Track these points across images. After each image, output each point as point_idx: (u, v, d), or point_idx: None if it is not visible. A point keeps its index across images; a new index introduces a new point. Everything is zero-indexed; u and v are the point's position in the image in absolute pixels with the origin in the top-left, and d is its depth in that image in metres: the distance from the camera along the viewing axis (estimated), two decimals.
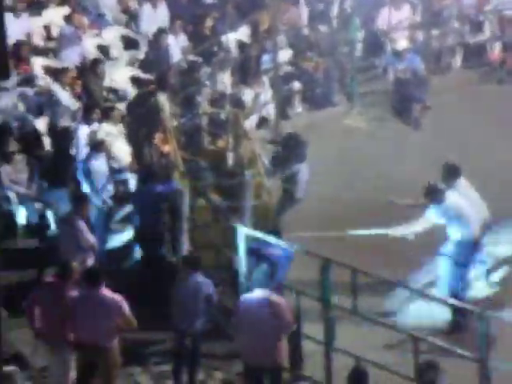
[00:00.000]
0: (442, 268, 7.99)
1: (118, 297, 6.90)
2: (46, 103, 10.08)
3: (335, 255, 7.19)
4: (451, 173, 8.28)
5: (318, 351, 7.17)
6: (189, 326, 7.27)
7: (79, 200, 8.20)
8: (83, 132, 9.47)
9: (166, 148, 9.06)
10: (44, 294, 7.06)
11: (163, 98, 9.13)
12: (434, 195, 7.95)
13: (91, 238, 8.01)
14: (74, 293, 6.96)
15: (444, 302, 7.44)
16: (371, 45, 12.67)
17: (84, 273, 7.09)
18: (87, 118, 9.63)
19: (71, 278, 7.02)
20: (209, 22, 11.91)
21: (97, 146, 9.02)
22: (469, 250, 7.92)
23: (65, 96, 10.03)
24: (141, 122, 9.34)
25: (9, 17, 10.30)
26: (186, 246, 8.27)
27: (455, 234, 7.92)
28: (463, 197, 8.05)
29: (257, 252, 7.63)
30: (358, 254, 7.95)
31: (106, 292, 6.90)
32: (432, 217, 7.93)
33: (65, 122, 9.39)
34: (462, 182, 8.29)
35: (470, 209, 7.98)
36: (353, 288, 6.94)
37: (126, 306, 6.86)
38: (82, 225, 7.96)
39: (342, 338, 7.12)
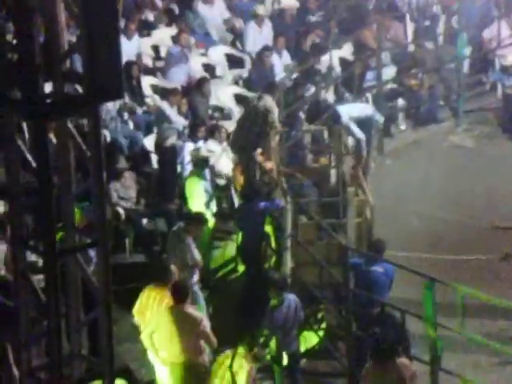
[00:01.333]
0: None
1: (199, 315, 6.95)
2: (154, 121, 10.35)
3: (439, 277, 7.05)
4: None
5: (425, 372, 7.05)
6: (287, 346, 7.28)
7: (194, 219, 8.22)
8: (188, 150, 9.68)
9: (269, 165, 9.13)
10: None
11: (271, 101, 9.10)
12: None
13: (197, 256, 8.11)
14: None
15: None
16: (478, 61, 12.44)
17: (172, 287, 7.15)
18: (193, 136, 9.84)
19: (187, 297, 7.10)
20: (312, 40, 11.97)
21: (199, 163, 9.21)
22: None
23: (173, 114, 10.28)
24: (249, 130, 9.33)
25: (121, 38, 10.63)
26: (288, 264, 8.29)
27: None
28: None
29: (357, 268, 7.58)
30: (463, 277, 7.72)
31: (190, 309, 6.95)
32: None
33: (172, 139, 9.58)
34: None
35: None
36: (460, 308, 6.79)
37: (206, 325, 6.90)
38: (190, 241, 8.08)
39: (448, 359, 6.98)
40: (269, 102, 9.04)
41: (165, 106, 10.33)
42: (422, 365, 7.05)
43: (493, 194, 10.22)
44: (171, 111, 10.26)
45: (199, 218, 8.30)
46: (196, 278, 8.00)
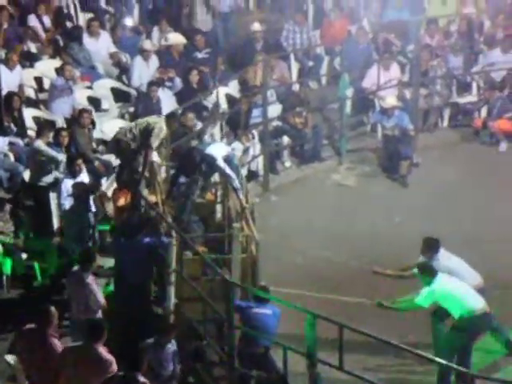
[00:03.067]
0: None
1: (110, 358, 6.71)
2: (30, 157, 10.07)
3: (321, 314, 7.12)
4: (431, 247, 8.23)
5: None
6: None
7: (86, 256, 8.02)
8: (67, 185, 9.47)
9: (154, 199, 9.05)
10: (24, 342, 6.93)
11: (162, 122, 8.96)
12: (423, 270, 7.77)
13: (101, 298, 7.84)
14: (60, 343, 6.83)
15: (431, 360, 7.36)
16: (360, 102, 12.82)
17: (87, 325, 6.91)
18: (71, 170, 9.63)
19: (51, 324, 6.89)
20: (198, 76, 12.04)
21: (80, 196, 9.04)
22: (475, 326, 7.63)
23: (47, 149, 9.99)
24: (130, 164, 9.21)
25: (1, 69, 10.41)
26: (172, 299, 8.20)
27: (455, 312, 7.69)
28: (445, 270, 7.91)
29: (245, 311, 7.58)
30: (345, 316, 7.80)
31: (102, 349, 6.73)
32: (424, 302, 7.67)
33: (48, 178, 9.41)
34: (443, 254, 8.19)
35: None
36: (339, 344, 6.88)
37: (114, 369, 6.70)
38: (92, 282, 7.81)
39: None
40: (158, 122, 8.90)
41: (38, 142, 10.07)
42: None
43: (374, 232, 10.48)
44: (45, 146, 10.01)
45: (89, 254, 8.11)
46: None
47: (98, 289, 7.88)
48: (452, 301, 7.71)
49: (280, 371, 7.21)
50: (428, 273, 7.78)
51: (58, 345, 6.83)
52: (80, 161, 9.67)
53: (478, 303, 7.72)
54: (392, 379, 7.84)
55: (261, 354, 7.47)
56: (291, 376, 7.23)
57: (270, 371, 7.12)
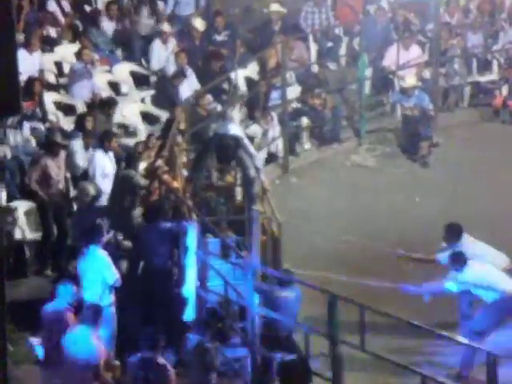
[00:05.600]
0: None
1: (100, 345, 6.77)
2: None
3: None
4: (454, 233, 8.17)
5: None
6: None
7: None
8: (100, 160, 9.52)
9: (175, 184, 9.09)
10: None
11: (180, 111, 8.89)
12: (455, 259, 7.72)
13: (116, 273, 7.91)
14: None
15: (457, 342, 7.35)
16: (379, 82, 12.76)
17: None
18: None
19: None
20: (218, 58, 12.02)
21: None
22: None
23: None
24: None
25: (22, 53, 10.44)
26: (194, 282, 8.26)
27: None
28: (471, 255, 7.85)
29: (267, 294, 7.62)
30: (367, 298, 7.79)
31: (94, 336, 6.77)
32: (455, 287, 7.69)
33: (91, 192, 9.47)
34: (467, 239, 8.14)
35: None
36: (361, 325, 6.91)
37: (100, 359, 6.71)
38: (107, 256, 7.86)
39: (350, 377, 7.08)
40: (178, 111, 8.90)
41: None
42: (323, 382, 7.12)
43: (394, 213, 10.47)
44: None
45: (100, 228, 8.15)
46: (111, 298, 7.85)
47: (111, 264, 7.90)
48: (484, 287, 7.70)
49: (302, 353, 7.26)
50: (459, 261, 7.76)
51: (72, 318, 6.91)
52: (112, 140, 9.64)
53: (509, 285, 7.73)
54: (415, 361, 7.85)
55: (283, 337, 7.51)
56: (313, 358, 7.27)
57: (293, 353, 7.16)
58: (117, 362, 7.00)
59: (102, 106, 10.62)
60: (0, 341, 4.90)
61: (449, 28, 13.00)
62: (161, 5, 12.99)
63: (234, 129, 9.19)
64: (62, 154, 9.47)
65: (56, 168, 9.27)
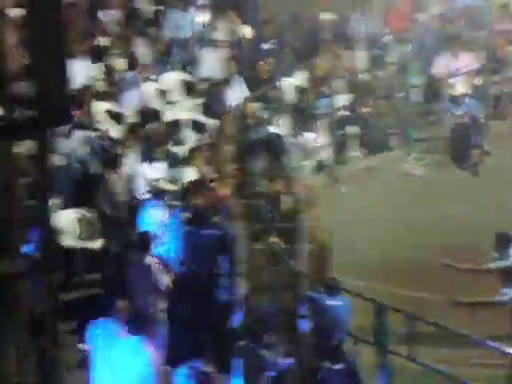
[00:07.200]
0: None
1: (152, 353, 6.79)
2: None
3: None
4: (505, 241, 8.11)
5: None
6: None
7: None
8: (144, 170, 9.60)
9: (223, 191, 9.12)
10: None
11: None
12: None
13: (166, 280, 7.96)
14: None
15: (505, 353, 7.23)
16: (429, 90, 12.64)
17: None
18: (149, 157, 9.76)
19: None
20: (266, 67, 12.05)
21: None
22: None
23: None
24: None
25: (72, 63, 10.58)
26: (241, 289, 8.27)
27: None
28: None
29: (317, 302, 7.59)
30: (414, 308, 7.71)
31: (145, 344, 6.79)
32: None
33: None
34: None
35: None
36: (409, 334, 6.83)
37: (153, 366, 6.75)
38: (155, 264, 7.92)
39: None
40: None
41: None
42: None
43: (443, 222, 10.34)
44: None
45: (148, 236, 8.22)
46: (161, 305, 7.89)
47: (161, 271, 7.93)
48: None
49: (351, 363, 7.20)
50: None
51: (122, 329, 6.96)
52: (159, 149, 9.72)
53: None
54: (463, 371, 7.74)
55: (333, 346, 7.46)
56: (362, 367, 7.22)
57: (341, 363, 7.11)
58: (168, 368, 7.02)
59: (150, 116, 10.73)
60: (53, 346, 4.99)
61: (504, 35, 12.83)
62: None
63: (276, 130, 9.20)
64: (123, 165, 9.55)
65: (118, 180, 9.34)
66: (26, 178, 5.22)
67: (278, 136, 9.00)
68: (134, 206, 9.28)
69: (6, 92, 4.90)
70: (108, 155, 9.68)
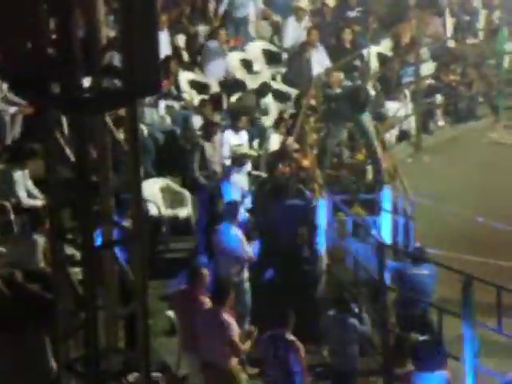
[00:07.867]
0: None
1: (231, 321, 6.76)
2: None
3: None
4: None
5: (460, 369, 6.97)
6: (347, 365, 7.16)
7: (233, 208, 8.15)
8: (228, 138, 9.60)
9: (305, 162, 9.09)
10: (177, 301, 7.20)
11: None
12: None
13: (250, 250, 7.95)
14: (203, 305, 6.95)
15: None
16: None
17: (215, 288, 7.05)
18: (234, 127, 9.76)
19: (202, 284, 7.04)
20: (350, 35, 11.89)
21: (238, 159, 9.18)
22: None
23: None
24: None
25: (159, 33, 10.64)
26: (324, 260, 8.26)
27: None
28: None
29: (401, 272, 7.52)
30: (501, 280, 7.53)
31: (224, 315, 6.77)
32: None
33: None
34: None
35: None
36: (497, 306, 6.70)
37: (234, 333, 6.72)
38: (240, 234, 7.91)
39: (487, 359, 6.90)
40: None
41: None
42: (458, 363, 6.97)
43: None
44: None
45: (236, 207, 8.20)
46: (246, 274, 7.92)
47: (245, 241, 7.94)
48: None
49: (436, 334, 7.12)
50: None
51: (208, 304, 7.03)
52: (244, 118, 9.71)
53: None
54: None
55: (418, 316, 7.39)
56: (447, 339, 7.13)
57: (427, 333, 7.03)
58: (252, 328, 7.04)
59: (234, 86, 10.74)
60: (143, 316, 5.09)
61: None
62: None
63: None
64: (218, 135, 9.40)
65: (211, 149, 9.21)
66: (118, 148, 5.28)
67: (363, 88, 8.90)
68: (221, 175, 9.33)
69: (96, 62, 4.97)
70: (205, 123, 9.56)
